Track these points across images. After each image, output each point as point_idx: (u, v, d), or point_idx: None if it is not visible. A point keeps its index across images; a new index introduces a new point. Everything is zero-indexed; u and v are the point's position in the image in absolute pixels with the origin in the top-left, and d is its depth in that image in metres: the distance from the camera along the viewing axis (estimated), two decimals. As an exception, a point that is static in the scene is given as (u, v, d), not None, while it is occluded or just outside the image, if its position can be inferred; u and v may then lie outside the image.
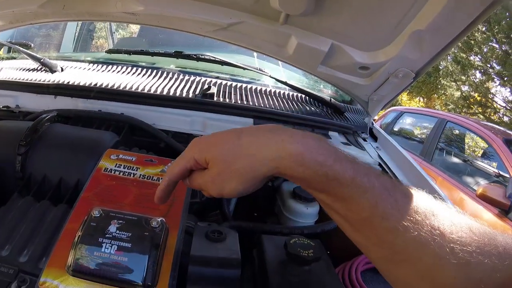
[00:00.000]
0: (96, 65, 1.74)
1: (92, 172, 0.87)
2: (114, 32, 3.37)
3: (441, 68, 11.85)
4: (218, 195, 0.61)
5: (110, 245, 0.66)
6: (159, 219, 0.72)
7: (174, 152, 1.21)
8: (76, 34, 2.64)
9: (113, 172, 0.88)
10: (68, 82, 1.45)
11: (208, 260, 0.75)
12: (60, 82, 1.44)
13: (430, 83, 12.39)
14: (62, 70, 1.63)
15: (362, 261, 1.04)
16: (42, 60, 1.60)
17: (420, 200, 0.53)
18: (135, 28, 3.70)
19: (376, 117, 6.04)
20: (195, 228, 0.85)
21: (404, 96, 14.62)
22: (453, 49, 10.42)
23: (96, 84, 1.44)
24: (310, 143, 0.55)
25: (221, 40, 1.36)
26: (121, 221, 0.70)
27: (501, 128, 5.24)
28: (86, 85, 1.43)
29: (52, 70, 1.59)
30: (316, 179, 0.54)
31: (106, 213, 0.71)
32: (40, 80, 1.47)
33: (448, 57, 11.00)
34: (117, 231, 0.68)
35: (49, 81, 1.46)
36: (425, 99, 13.95)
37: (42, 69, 1.62)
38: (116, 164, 0.90)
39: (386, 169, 1.46)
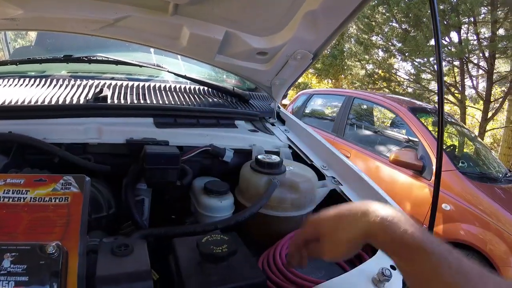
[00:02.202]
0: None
1: None
2: (9, 43, 3.07)
3: (345, 50, 12.50)
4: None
5: (7, 282, 0.60)
6: (54, 244, 0.66)
7: (70, 166, 1.11)
8: None
9: (1, 199, 0.78)
10: None
11: (116, 277, 0.68)
12: None
13: (336, 65, 13.02)
14: None
15: (285, 244, 1.03)
16: None
17: None
18: (34, 36, 3.41)
19: (287, 102, 6.22)
20: (99, 246, 0.77)
21: (313, 80, 15.23)
22: (355, 31, 11.08)
23: None
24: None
25: (109, 38, 1.27)
26: (14, 253, 0.63)
27: (406, 98, 5.63)
28: None
29: None
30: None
31: None
32: None
33: (352, 39, 11.59)
34: (12, 265, 0.62)
35: None
36: (333, 80, 14.62)
37: None
38: (4, 190, 0.80)
39: (296, 150, 1.47)
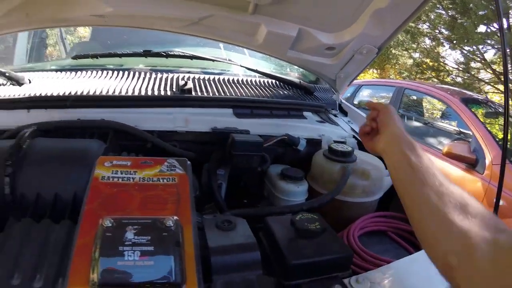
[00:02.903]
0: (63, 73, 1.69)
1: (88, 183, 0.84)
2: (65, 38, 3.25)
3: (391, 39, 12.13)
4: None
5: (132, 252, 0.65)
6: (173, 218, 0.73)
7: (162, 152, 1.24)
8: (29, 43, 2.46)
9: (111, 179, 0.85)
10: (41, 94, 1.40)
11: (228, 248, 0.79)
12: (32, 95, 1.39)
13: (382, 55, 12.63)
14: (30, 82, 1.57)
15: (357, 227, 1.12)
16: (7, 74, 1.53)
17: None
18: (83, 33, 3.55)
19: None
20: (204, 222, 0.88)
21: (358, 70, 14.91)
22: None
23: (70, 93, 1.40)
24: None
25: (192, 35, 1.38)
26: (137, 226, 0.69)
27: (456, 89, 5.48)
28: (60, 94, 1.39)
29: (19, 83, 1.52)
30: None
31: (117, 221, 0.70)
32: (9, 95, 1.41)
33: (398, 28, 11.21)
34: (135, 237, 0.67)
35: (19, 95, 1.41)
36: (379, 70, 14.31)
37: (8, 83, 1.55)
38: (113, 171, 0.88)
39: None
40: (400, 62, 12.73)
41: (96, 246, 0.65)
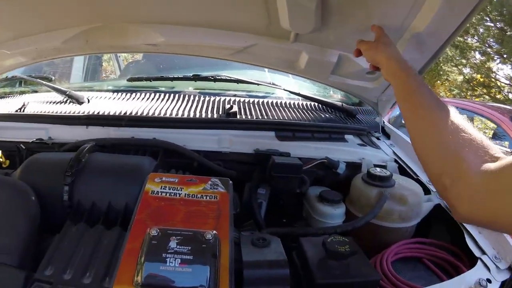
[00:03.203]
0: (119, 93, 1.84)
1: (139, 195, 0.95)
2: (119, 56, 3.46)
3: (440, 54, 11.80)
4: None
5: (174, 259, 0.73)
6: (212, 232, 0.81)
7: (207, 170, 1.32)
8: (86, 63, 2.67)
9: (160, 194, 0.96)
10: (99, 113, 1.55)
11: (260, 263, 0.85)
12: (90, 113, 1.54)
13: (432, 71, 12.37)
14: (88, 101, 1.72)
15: (392, 253, 1.13)
16: (67, 93, 1.70)
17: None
18: None
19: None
20: (240, 238, 0.95)
21: (408, 87, 14.59)
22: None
23: (125, 113, 1.53)
24: None
25: (238, 61, 1.47)
26: (179, 237, 0.77)
27: (507, 107, 5.28)
28: (116, 114, 1.53)
29: (79, 101, 1.68)
30: None
31: (163, 231, 0.78)
32: (70, 112, 1.57)
33: (446, 43, 10.89)
34: (178, 246, 0.75)
35: (79, 112, 1.56)
36: (429, 87, 13.95)
37: (68, 101, 1.71)
38: (161, 186, 0.99)
39: (402, 164, 1.55)
40: (450, 79, 12.37)
41: (142, 252, 0.75)
